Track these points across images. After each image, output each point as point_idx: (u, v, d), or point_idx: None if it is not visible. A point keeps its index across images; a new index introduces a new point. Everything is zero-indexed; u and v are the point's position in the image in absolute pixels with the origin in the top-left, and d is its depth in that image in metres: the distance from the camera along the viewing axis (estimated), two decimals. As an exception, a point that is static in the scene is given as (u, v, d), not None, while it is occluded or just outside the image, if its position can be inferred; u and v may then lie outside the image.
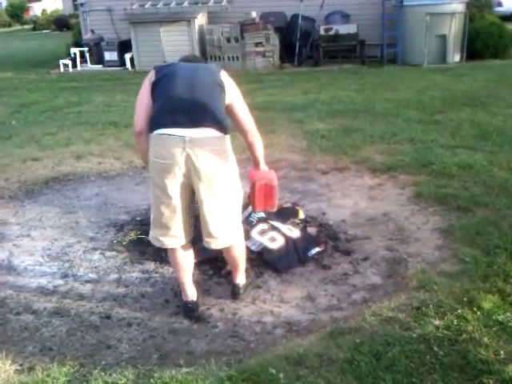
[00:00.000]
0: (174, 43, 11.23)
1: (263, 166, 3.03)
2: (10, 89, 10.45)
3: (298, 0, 11.22)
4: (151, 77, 2.79)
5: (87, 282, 3.37)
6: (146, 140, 2.76)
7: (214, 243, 2.83)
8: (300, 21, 11.20)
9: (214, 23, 11.73)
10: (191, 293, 2.98)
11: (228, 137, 2.76)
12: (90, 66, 12.46)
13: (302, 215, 3.93)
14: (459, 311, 2.72)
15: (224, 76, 2.78)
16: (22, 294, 3.25)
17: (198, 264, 3.36)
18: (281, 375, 2.35)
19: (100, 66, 12.37)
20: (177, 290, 3.12)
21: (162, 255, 3.38)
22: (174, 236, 2.82)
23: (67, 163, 5.62)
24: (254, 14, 11.17)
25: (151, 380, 2.38)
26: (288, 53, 11.52)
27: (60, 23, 27.51)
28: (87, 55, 12.43)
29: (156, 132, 2.68)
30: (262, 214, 3.70)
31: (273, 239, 3.55)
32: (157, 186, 2.74)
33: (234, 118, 2.85)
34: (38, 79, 11.62)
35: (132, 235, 3.85)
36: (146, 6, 12.03)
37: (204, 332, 2.83)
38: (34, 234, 4.06)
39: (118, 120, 7.14)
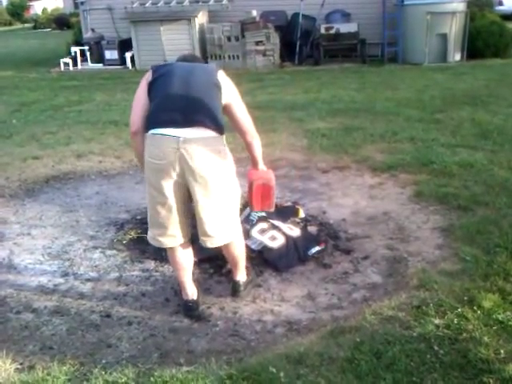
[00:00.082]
0: (174, 42, 11.23)
1: (262, 166, 3.03)
2: (10, 87, 10.45)
3: (299, -1, 11.23)
4: (148, 76, 2.79)
5: (87, 280, 3.37)
6: (141, 140, 2.76)
7: (209, 242, 2.83)
8: (300, 19, 11.20)
9: (214, 22, 11.73)
10: (191, 292, 2.98)
11: (224, 137, 2.75)
12: (90, 65, 12.46)
13: (302, 214, 3.93)
14: (459, 310, 2.72)
15: (221, 76, 2.77)
16: (23, 292, 3.25)
17: (199, 263, 3.36)
18: (281, 374, 2.35)
19: (100, 64, 12.37)
20: (177, 288, 3.12)
21: (163, 254, 3.38)
22: (171, 235, 2.82)
23: (68, 162, 5.62)
24: (254, 13, 11.16)
25: (151, 379, 2.38)
26: (288, 52, 11.52)
27: (60, 22, 27.50)
28: (88, 54, 12.43)
29: (151, 132, 2.68)
30: (263, 213, 3.69)
31: (273, 238, 3.55)
32: (152, 186, 2.74)
33: (232, 119, 2.84)
34: (38, 78, 11.63)
35: (132, 234, 3.86)
36: (147, 5, 12.03)
37: (204, 331, 2.83)
38: (35, 233, 4.06)
39: (119, 119, 7.13)
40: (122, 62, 12.09)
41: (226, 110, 2.80)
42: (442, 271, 3.15)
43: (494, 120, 6.35)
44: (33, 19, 32.31)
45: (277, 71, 10.88)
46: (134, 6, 12.06)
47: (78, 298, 3.18)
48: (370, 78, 9.62)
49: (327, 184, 4.79)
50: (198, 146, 2.62)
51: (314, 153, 5.54)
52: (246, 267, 3.16)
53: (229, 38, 11.23)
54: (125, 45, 12.00)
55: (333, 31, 11.07)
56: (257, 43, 11.11)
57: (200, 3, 11.87)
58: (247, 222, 3.66)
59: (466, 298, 2.83)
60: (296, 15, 11.35)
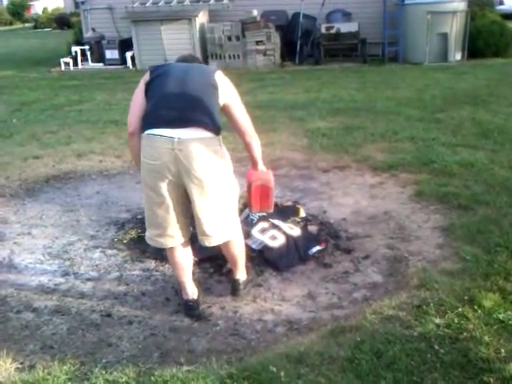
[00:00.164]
0: (175, 41, 11.23)
1: (261, 167, 3.03)
2: (10, 87, 10.46)
3: (299, -2, 11.22)
4: (146, 77, 2.79)
5: (88, 280, 3.37)
6: (138, 141, 2.75)
7: (207, 241, 2.83)
8: (301, 19, 11.20)
9: (215, 21, 11.72)
10: (191, 291, 2.98)
11: (220, 137, 2.74)
12: (90, 65, 12.46)
13: (302, 213, 3.93)
14: (460, 309, 2.72)
15: (219, 76, 2.75)
16: (23, 292, 3.25)
17: (199, 262, 3.36)
18: (281, 373, 2.35)
19: (101, 64, 12.37)
20: (177, 288, 3.12)
21: (163, 253, 3.37)
22: (170, 235, 2.82)
23: (68, 161, 5.62)
24: (255, 13, 11.15)
25: (152, 378, 2.38)
26: (289, 51, 11.52)
27: (61, 21, 27.49)
28: (88, 53, 12.43)
29: (146, 132, 2.68)
30: (263, 213, 3.69)
31: (273, 237, 3.54)
32: (148, 187, 2.74)
33: (230, 119, 2.83)
34: (38, 77, 11.63)
35: (133, 233, 3.86)
36: (147, 5, 12.03)
37: (205, 330, 2.83)
38: (35, 232, 4.06)
39: (119, 118, 7.12)
40: (123, 61, 12.09)
41: (225, 110, 2.79)
42: (443, 270, 3.15)
43: (494, 119, 6.35)
44: (33, 19, 32.30)
45: (277, 71, 10.87)
46: (135, 5, 12.06)
47: (78, 297, 3.18)
48: (370, 78, 9.61)
49: (328, 183, 4.79)
50: (193, 147, 2.61)
51: (315, 152, 5.53)
52: (246, 266, 3.16)
53: (229, 38, 11.22)
54: (125, 44, 12.00)
55: (333, 31, 11.07)
56: (257, 43, 11.10)
57: (200, 3, 11.86)
58: (247, 222, 3.66)
59: (466, 298, 2.83)
60: (297, 15, 11.35)
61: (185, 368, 2.47)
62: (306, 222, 3.84)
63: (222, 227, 2.83)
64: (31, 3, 35.60)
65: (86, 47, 12.43)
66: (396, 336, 2.56)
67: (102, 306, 3.07)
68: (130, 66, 11.94)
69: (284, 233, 3.59)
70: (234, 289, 3.10)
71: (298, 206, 4.06)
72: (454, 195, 4.18)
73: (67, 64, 12.39)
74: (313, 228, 3.80)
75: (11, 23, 34.65)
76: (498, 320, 2.63)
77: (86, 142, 6.25)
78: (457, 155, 5.13)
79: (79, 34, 13.50)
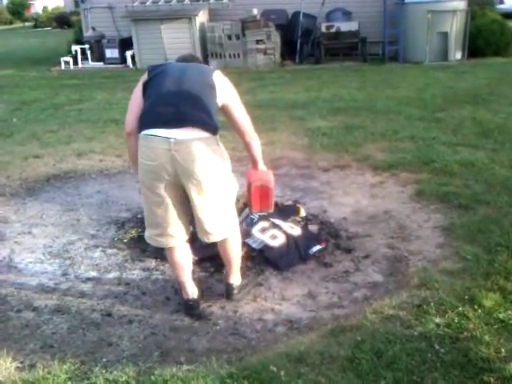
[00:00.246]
0: (175, 41, 11.23)
1: (261, 167, 3.02)
2: (10, 86, 10.45)
3: (300, -3, 11.22)
4: (144, 77, 2.78)
5: (88, 279, 3.37)
6: (135, 141, 2.75)
7: (206, 238, 2.84)
8: (301, 18, 11.20)
9: (215, 20, 11.71)
10: (191, 290, 2.98)
11: (217, 137, 2.73)
12: (91, 64, 12.46)
13: (303, 213, 3.93)
14: (460, 309, 2.72)
15: (217, 76, 2.74)
16: (23, 291, 3.25)
17: (199, 261, 3.36)
18: (282, 373, 2.35)
19: (101, 63, 12.37)
20: (178, 287, 3.11)
21: (163, 253, 3.37)
22: (170, 235, 2.82)
23: (68, 161, 5.62)
24: (255, 12, 11.15)
25: (152, 377, 2.38)
26: (289, 50, 11.52)
27: (61, 20, 27.51)
28: (88, 52, 12.43)
29: (143, 133, 2.67)
30: (263, 212, 3.69)
31: (274, 237, 3.54)
32: (146, 187, 2.74)
33: (230, 119, 2.83)
34: (38, 77, 11.62)
35: (133, 233, 3.86)
36: (147, 4, 12.03)
37: (205, 330, 2.83)
38: (35, 232, 4.06)
39: (119, 117, 7.10)
40: (123, 60, 12.08)
41: (224, 110, 2.78)
42: (443, 270, 3.15)
43: (495, 119, 6.34)
44: (33, 18, 32.32)
45: (277, 70, 10.87)
46: (135, 4, 12.05)
47: (78, 296, 3.18)
48: (370, 77, 9.61)
49: (328, 183, 4.78)
50: (189, 147, 2.60)
51: (315, 151, 5.53)
52: (241, 269, 3.14)
53: (229, 37, 11.21)
54: (125, 43, 12.00)
55: (333, 30, 11.07)
56: (257, 42, 11.09)
57: (201, 2, 11.86)
58: (248, 222, 3.66)
59: (466, 297, 2.83)
60: (297, 14, 11.35)
61: (185, 367, 2.47)
62: (306, 221, 3.84)
63: (222, 224, 2.83)
64: (31, 2, 35.65)
65: (86, 46, 12.43)
66: (396, 335, 2.56)
67: (102, 305, 3.07)
68: (130, 65, 11.94)
69: (284, 232, 3.59)
70: (228, 293, 3.08)
71: (298, 205, 4.06)
72: (454, 195, 4.18)
73: (67, 63, 12.39)
74: (313, 227, 3.80)
75: (11, 22, 34.68)
76: (498, 319, 2.63)
77: (86, 142, 6.25)
78: (457, 154, 5.12)
79: (79, 32, 13.50)
